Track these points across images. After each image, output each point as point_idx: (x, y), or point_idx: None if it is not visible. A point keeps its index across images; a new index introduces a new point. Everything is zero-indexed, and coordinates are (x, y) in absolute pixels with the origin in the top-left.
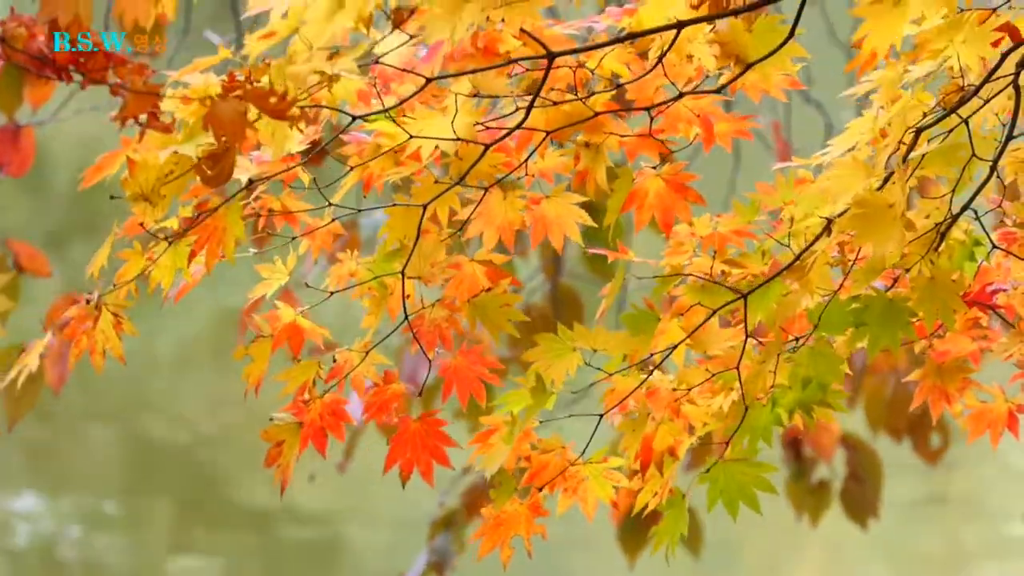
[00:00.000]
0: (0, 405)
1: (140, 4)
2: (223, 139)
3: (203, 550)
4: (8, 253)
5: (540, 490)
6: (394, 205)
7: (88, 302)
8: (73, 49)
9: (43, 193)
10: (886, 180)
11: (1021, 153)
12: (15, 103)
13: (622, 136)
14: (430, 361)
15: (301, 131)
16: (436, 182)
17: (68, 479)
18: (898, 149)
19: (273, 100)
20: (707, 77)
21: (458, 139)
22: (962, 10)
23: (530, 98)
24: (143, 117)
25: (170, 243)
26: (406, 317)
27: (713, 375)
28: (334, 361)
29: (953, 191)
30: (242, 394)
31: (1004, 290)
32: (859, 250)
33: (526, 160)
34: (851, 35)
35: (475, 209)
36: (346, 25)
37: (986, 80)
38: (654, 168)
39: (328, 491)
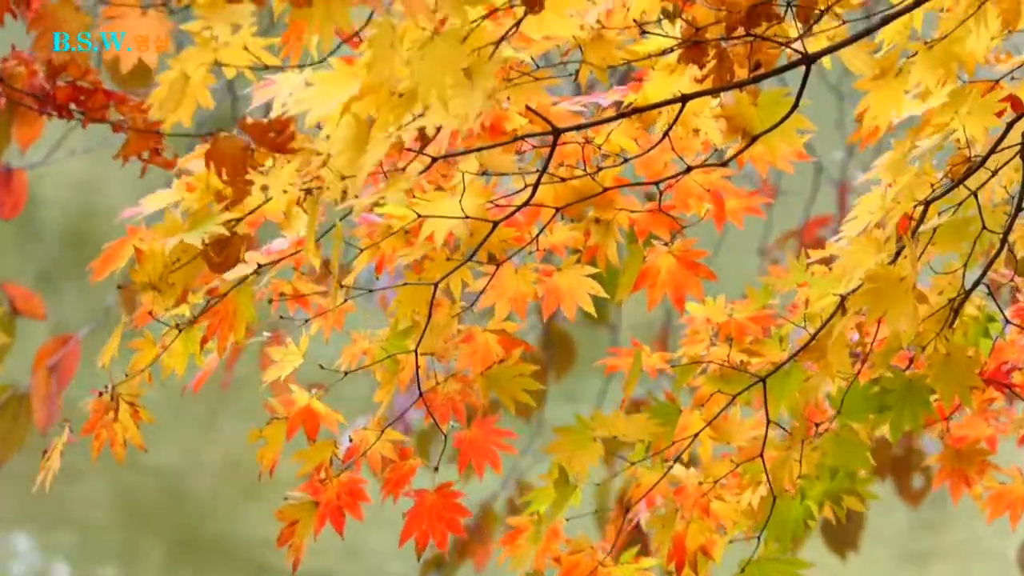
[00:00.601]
0: None
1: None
2: (224, 175)
3: None
4: (3, 296)
5: None
6: (405, 284)
7: (102, 395)
8: (74, 85)
9: (35, 235)
10: (897, 254)
11: None
12: (3, 143)
13: (632, 212)
14: (445, 435)
15: (307, 211)
16: (447, 259)
17: (59, 516)
18: (908, 223)
19: (272, 135)
20: (715, 151)
21: (467, 217)
22: (965, 82)
23: (538, 174)
24: (145, 154)
25: (181, 331)
26: (420, 394)
27: (738, 465)
28: (350, 441)
29: (965, 266)
30: (235, 430)
31: (1020, 368)
32: (876, 332)
33: (537, 236)
34: (839, 77)
35: (488, 284)
36: (377, 158)
37: (992, 151)
38: (665, 245)
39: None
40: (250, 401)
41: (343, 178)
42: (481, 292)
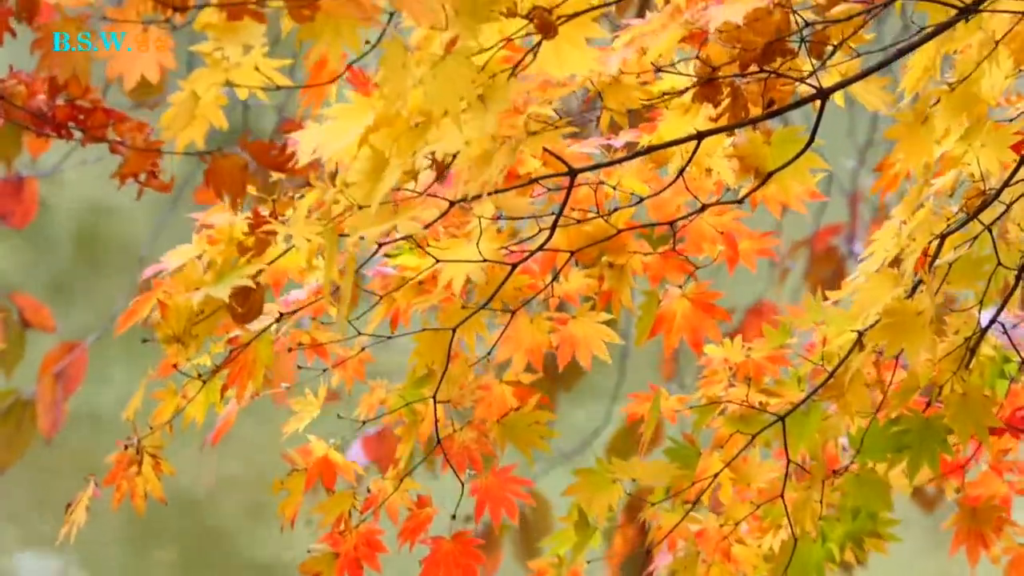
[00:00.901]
0: None
1: (138, 64)
2: (223, 193)
3: None
4: (12, 307)
5: None
6: (423, 330)
7: (127, 448)
8: (73, 104)
9: (46, 244)
10: (914, 289)
11: None
12: (14, 153)
13: (645, 255)
14: (462, 484)
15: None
16: (463, 307)
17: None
18: (924, 258)
19: (273, 153)
20: (727, 191)
21: (484, 260)
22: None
23: (553, 217)
24: (143, 175)
25: (205, 382)
26: (438, 441)
27: (758, 507)
28: (368, 492)
29: (980, 304)
30: (245, 446)
31: None
32: (895, 371)
33: (551, 282)
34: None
35: (502, 334)
36: (391, 185)
37: (1007, 183)
38: (680, 287)
39: None
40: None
41: (359, 208)
42: (496, 342)
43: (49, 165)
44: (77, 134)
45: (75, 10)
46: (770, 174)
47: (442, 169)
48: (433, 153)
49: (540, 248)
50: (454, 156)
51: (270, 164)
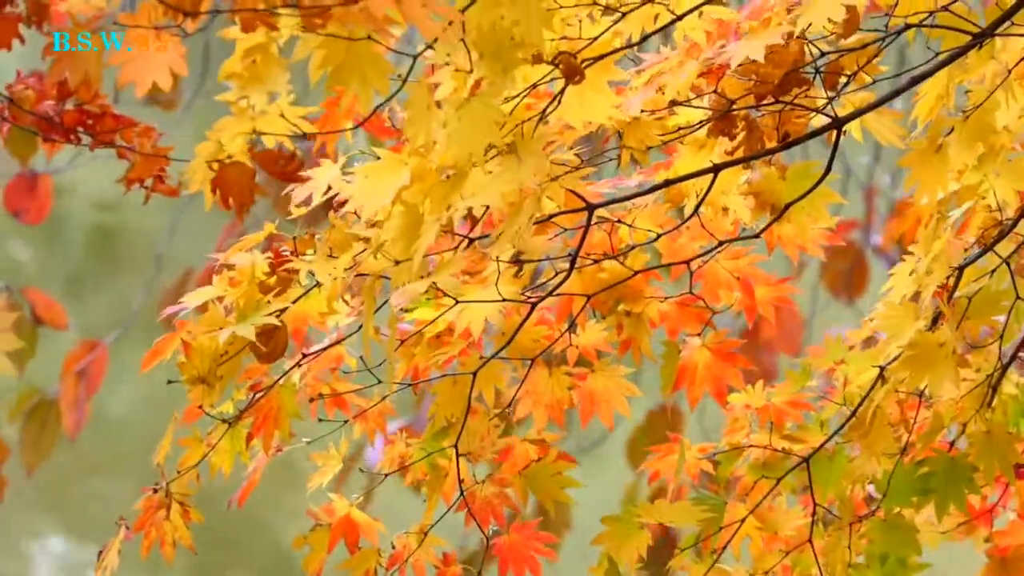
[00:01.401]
0: (18, 450)
1: (150, 70)
2: (230, 201)
3: None
4: (25, 303)
5: None
6: (443, 376)
7: (156, 491)
8: (81, 109)
9: (61, 240)
10: (934, 321)
11: None
12: (30, 152)
13: (662, 300)
14: (487, 539)
15: (348, 303)
16: (480, 358)
17: (91, 524)
18: (942, 290)
19: (281, 163)
20: (743, 231)
21: (503, 300)
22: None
23: (569, 259)
24: (150, 180)
25: (230, 426)
26: (462, 493)
27: (787, 553)
28: (392, 547)
29: (1001, 338)
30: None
31: None
32: (918, 411)
33: (567, 330)
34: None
35: (520, 386)
36: (430, 241)
37: (1022, 215)
38: (699, 336)
39: None
40: None
41: (397, 263)
42: (516, 393)
43: (63, 162)
44: (85, 139)
45: (87, 15)
46: (787, 206)
47: (476, 222)
48: (470, 209)
49: (556, 289)
50: (486, 208)
51: (278, 174)
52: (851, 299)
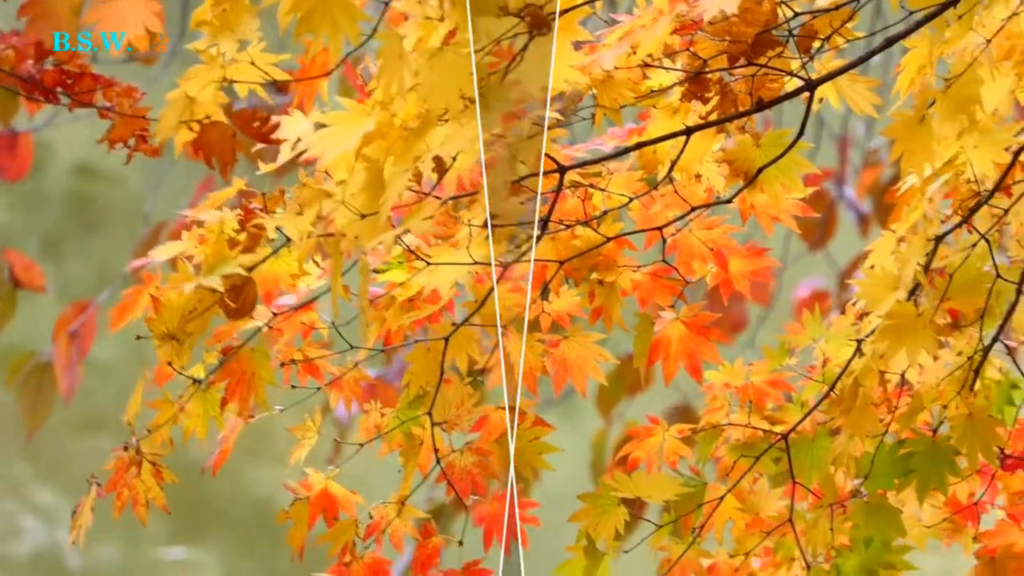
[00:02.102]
0: (16, 414)
1: (124, 26)
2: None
3: (199, 543)
4: (4, 264)
5: None
6: (416, 341)
7: (127, 449)
8: (61, 69)
9: (41, 197)
10: (912, 292)
11: None
12: (12, 109)
13: (635, 268)
14: (467, 509)
15: (318, 264)
16: (452, 324)
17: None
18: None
19: (257, 123)
20: (717, 198)
21: (475, 263)
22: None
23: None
24: (131, 140)
25: (199, 385)
26: (438, 461)
27: (768, 534)
28: (370, 518)
29: (982, 320)
30: None
31: None
32: (899, 396)
33: (540, 296)
34: None
35: (492, 354)
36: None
37: (1000, 182)
38: (671, 308)
39: None
40: None
41: (363, 216)
42: (488, 360)
43: (44, 120)
44: (65, 99)
45: None
46: (759, 170)
47: (444, 171)
48: (440, 160)
49: (526, 253)
50: (454, 157)
51: (253, 134)
52: (823, 248)
